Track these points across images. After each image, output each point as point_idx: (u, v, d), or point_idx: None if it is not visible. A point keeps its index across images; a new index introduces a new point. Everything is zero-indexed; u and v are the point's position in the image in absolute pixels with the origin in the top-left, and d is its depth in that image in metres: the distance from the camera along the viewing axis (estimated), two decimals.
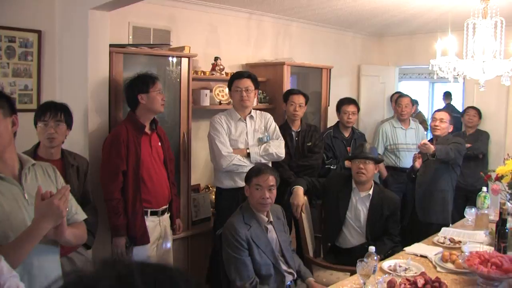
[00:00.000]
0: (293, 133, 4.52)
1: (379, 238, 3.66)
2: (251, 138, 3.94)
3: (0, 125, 1.86)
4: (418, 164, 4.47)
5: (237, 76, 3.95)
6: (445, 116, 4.54)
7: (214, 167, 3.98)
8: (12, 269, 1.61)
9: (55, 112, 2.95)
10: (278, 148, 3.94)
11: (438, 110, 4.87)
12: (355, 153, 3.91)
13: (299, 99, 4.50)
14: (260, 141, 3.96)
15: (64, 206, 1.85)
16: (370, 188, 3.77)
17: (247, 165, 3.78)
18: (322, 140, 4.69)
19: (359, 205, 3.76)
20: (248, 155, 3.85)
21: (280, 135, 4.08)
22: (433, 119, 4.58)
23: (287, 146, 4.41)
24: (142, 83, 3.36)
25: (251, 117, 3.98)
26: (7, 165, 1.91)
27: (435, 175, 4.41)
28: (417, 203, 4.50)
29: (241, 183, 3.79)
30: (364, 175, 3.71)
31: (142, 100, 3.35)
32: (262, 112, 4.14)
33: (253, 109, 4.12)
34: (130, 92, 3.40)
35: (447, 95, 8.98)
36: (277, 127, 4.10)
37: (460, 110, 6.65)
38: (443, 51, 3.75)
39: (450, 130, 4.59)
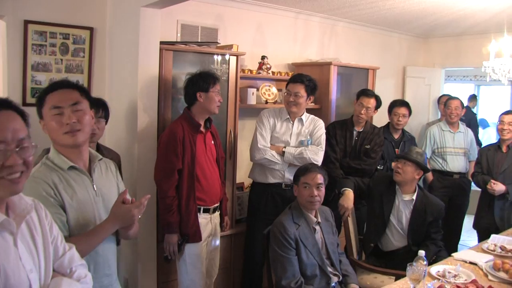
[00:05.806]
0: (354, 132, 4.43)
1: (421, 243, 3.60)
2: (294, 140, 3.92)
3: (87, 115, 1.99)
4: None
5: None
6: None
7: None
8: (81, 258, 1.70)
9: (97, 109, 2.91)
10: (314, 154, 3.83)
11: (507, 113, 4.48)
12: (402, 154, 3.86)
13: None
14: (301, 144, 3.92)
15: (138, 214, 2.01)
16: (414, 192, 3.70)
17: (279, 163, 3.82)
18: (381, 147, 4.51)
19: (402, 208, 3.71)
20: (283, 154, 3.84)
21: (322, 143, 3.95)
22: (501, 122, 4.33)
23: (344, 144, 4.37)
24: (204, 81, 3.35)
25: (300, 120, 3.95)
26: (82, 157, 2.04)
27: None
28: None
29: (272, 180, 3.87)
30: (400, 175, 3.66)
31: (200, 98, 3.34)
32: (316, 117, 4.06)
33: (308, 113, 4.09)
34: (190, 88, 3.38)
35: (472, 98, 8.98)
36: (323, 135, 3.99)
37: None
38: (496, 53, 3.65)
39: None
